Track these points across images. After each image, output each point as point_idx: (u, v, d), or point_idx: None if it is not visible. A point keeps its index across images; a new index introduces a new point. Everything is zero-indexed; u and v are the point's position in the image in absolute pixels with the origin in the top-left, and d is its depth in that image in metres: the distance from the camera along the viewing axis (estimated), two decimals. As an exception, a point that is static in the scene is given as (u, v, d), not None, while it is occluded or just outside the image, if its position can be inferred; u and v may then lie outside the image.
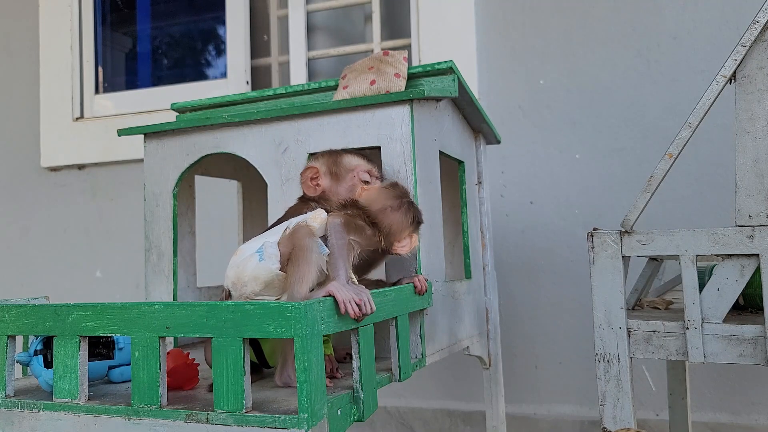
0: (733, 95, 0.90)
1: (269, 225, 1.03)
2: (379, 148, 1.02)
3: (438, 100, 1.11)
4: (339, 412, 0.73)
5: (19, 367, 0.99)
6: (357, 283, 0.88)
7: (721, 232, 0.88)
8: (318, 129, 1.06)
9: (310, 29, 2.12)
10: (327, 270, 0.84)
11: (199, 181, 1.33)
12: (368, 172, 1.04)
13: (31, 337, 0.87)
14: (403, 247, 0.93)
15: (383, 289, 0.85)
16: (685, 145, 0.91)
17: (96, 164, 2.18)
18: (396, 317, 0.88)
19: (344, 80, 1.19)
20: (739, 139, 0.89)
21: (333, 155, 1.05)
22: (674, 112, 1.63)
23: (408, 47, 1.95)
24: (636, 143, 1.66)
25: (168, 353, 0.82)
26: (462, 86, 1.17)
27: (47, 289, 2.16)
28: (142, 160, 1.26)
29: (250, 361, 0.75)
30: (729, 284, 0.88)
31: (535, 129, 1.76)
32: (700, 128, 0.93)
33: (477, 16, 1.80)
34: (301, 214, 0.95)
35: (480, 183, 1.34)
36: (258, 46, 2.20)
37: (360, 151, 1.07)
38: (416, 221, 0.94)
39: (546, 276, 1.72)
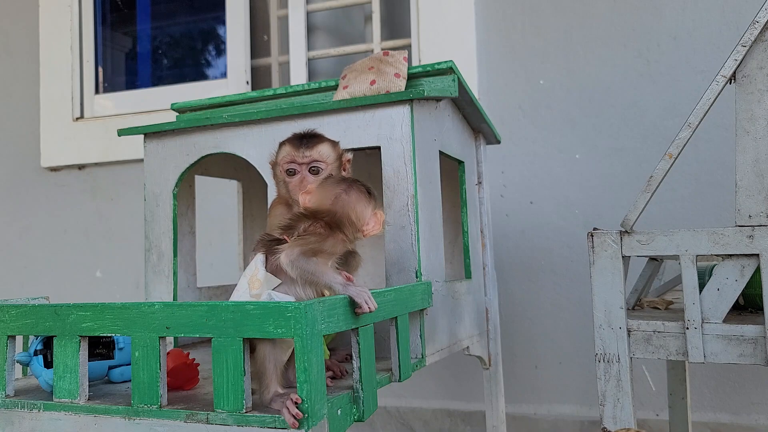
0: (733, 95, 0.90)
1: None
2: (379, 148, 1.02)
3: (438, 100, 1.11)
4: (339, 412, 0.73)
5: (19, 367, 0.99)
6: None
7: (721, 232, 0.88)
8: (318, 129, 1.06)
9: (310, 29, 2.12)
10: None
11: (199, 181, 1.33)
12: (292, 161, 0.99)
13: (31, 337, 0.87)
14: (374, 228, 0.88)
15: (383, 289, 0.85)
16: (685, 145, 0.91)
17: (96, 164, 2.18)
18: (396, 317, 0.88)
19: (344, 80, 1.19)
20: (739, 139, 0.89)
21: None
22: (674, 112, 1.63)
23: (408, 47, 1.95)
24: (636, 143, 1.66)
25: (168, 353, 0.82)
26: (462, 86, 1.17)
27: (47, 289, 2.16)
28: (142, 160, 1.26)
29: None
30: (729, 284, 0.88)
31: (535, 129, 1.76)
32: (700, 128, 0.93)
33: (477, 16, 1.80)
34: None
35: (480, 183, 1.34)
36: (258, 46, 2.20)
37: (306, 136, 1.01)
38: (372, 194, 0.90)
39: (546, 276, 1.72)
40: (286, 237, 0.83)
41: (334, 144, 1.02)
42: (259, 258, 0.83)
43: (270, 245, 0.83)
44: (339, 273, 0.83)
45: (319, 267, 0.81)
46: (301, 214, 0.87)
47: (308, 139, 1.00)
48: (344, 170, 1.03)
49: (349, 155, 1.03)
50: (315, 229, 0.84)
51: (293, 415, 0.66)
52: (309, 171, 1.00)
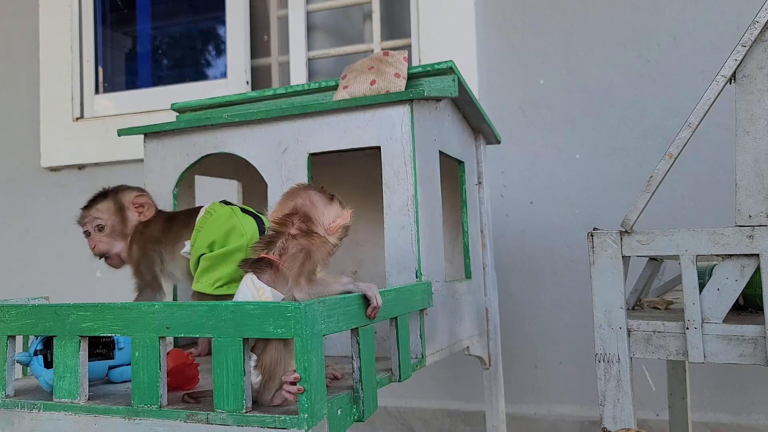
0: (733, 95, 0.90)
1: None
2: (379, 148, 1.02)
3: (438, 100, 1.11)
4: (339, 412, 0.73)
5: (19, 367, 0.99)
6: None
7: (721, 232, 0.88)
8: (318, 129, 1.06)
9: (310, 29, 2.12)
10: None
11: (199, 181, 1.33)
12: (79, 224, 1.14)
13: (31, 337, 0.87)
14: (341, 220, 0.87)
15: (383, 289, 0.85)
16: (685, 145, 0.91)
17: (96, 164, 2.18)
18: (396, 317, 0.88)
19: (344, 80, 1.19)
20: (739, 139, 0.89)
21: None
22: (674, 112, 1.63)
23: (408, 47, 1.95)
24: (636, 143, 1.66)
25: (168, 353, 0.82)
26: (462, 86, 1.17)
27: (47, 289, 2.15)
28: (142, 160, 1.26)
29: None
30: (729, 284, 0.88)
31: (535, 129, 1.76)
32: (700, 128, 0.93)
33: (477, 16, 1.80)
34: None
35: (480, 183, 1.34)
36: (258, 46, 2.20)
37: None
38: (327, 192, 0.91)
39: (546, 276, 1.72)
40: (268, 256, 0.82)
41: (114, 196, 1.14)
42: (253, 278, 0.81)
43: (254, 266, 0.82)
44: (341, 274, 0.84)
45: (326, 283, 0.82)
46: (275, 230, 0.86)
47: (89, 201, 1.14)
48: (138, 214, 1.13)
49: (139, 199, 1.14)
50: (293, 244, 0.83)
51: (293, 392, 0.67)
52: (96, 229, 1.13)
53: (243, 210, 1.06)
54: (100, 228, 1.12)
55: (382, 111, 1.02)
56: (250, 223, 1.03)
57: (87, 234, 1.14)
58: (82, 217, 1.14)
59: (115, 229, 1.12)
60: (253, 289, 0.80)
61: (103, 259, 1.15)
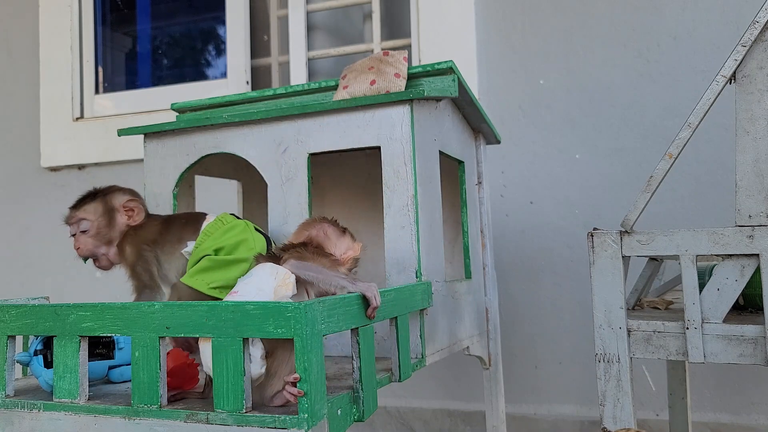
0: (733, 95, 0.90)
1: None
2: (379, 148, 1.02)
3: (438, 100, 1.11)
4: (339, 412, 0.73)
5: (19, 367, 0.99)
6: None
7: (721, 232, 0.88)
8: (318, 129, 1.06)
9: (310, 29, 2.12)
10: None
11: (199, 181, 1.33)
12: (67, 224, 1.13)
13: (31, 337, 0.87)
14: (351, 252, 0.93)
15: (383, 289, 0.85)
16: (685, 145, 0.91)
17: (96, 164, 2.18)
18: (396, 317, 0.88)
19: (344, 80, 1.19)
20: (739, 139, 0.89)
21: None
22: (674, 112, 1.63)
23: (408, 47, 1.95)
24: (636, 143, 1.66)
25: (168, 353, 0.82)
26: (462, 86, 1.17)
27: (47, 289, 2.15)
28: (142, 160, 1.26)
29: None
30: (729, 284, 0.88)
31: (535, 129, 1.76)
32: (700, 128, 0.93)
33: (477, 16, 1.80)
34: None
35: (480, 183, 1.34)
36: (258, 46, 2.20)
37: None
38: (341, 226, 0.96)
39: (546, 276, 1.72)
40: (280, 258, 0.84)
41: (104, 197, 1.12)
42: (275, 267, 0.82)
43: (271, 259, 0.84)
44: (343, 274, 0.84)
45: (319, 269, 0.83)
46: (288, 245, 0.90)
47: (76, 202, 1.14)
48: (128, 218, 1.11)
49: (130, 203, 1.12)
50: (304, 250, 0.86)
51: (294, 394, 0.66)
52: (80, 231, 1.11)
53: (254, 228, 1.06)
54: (84, 230, 1.11)
55: (382, 111, 1.02)
56: (261, 240, 1.03)
57: (73, 234, 1.12)
58: (69, 216, 1.12)
59: (100, 231, 1.10)
60: (270, 278, 0.80)
61: (87, 260, 1.13)
